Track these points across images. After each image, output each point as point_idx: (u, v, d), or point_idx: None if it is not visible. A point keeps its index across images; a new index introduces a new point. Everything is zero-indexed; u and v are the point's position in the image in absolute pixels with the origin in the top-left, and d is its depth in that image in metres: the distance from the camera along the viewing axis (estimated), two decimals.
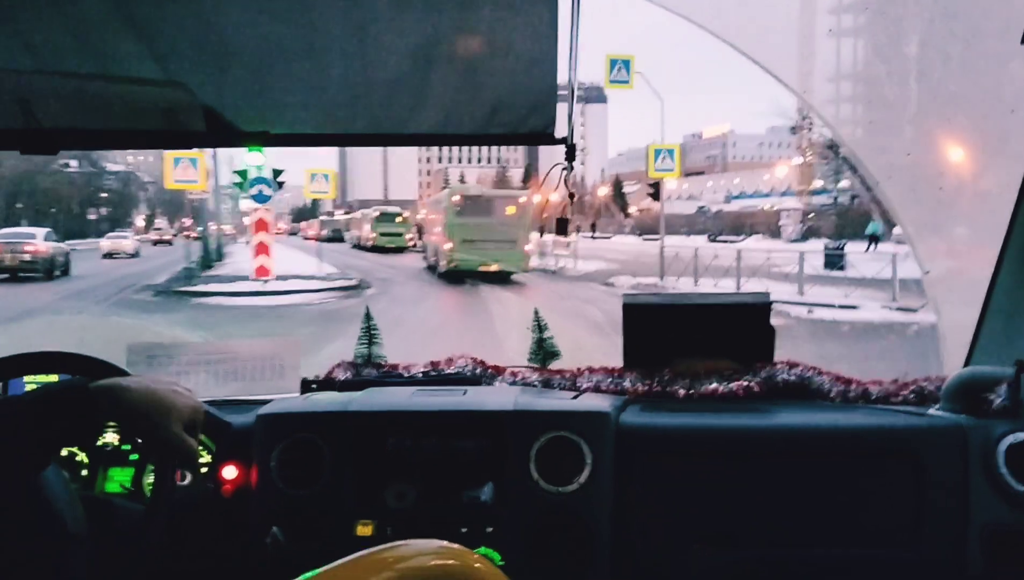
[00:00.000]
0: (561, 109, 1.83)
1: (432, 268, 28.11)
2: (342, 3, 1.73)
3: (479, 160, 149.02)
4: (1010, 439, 1.90)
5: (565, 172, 1.96)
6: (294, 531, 1.89)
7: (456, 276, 24.91)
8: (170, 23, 1.74)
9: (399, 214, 43.92)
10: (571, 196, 1.99)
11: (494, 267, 24.66)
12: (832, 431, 2.03)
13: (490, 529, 1.90)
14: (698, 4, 2.03)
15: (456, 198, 27.13)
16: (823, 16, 2.08)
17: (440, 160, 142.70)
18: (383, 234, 42.44)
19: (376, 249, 40.70)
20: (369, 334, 2.52)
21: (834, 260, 25.26)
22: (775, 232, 57.76)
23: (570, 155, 1.90)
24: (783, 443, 2.02)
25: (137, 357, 2.33)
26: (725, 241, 55.67)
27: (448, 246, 25.74)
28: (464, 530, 1.89)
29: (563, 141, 1.87)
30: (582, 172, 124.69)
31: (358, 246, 45.08)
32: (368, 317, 2.55)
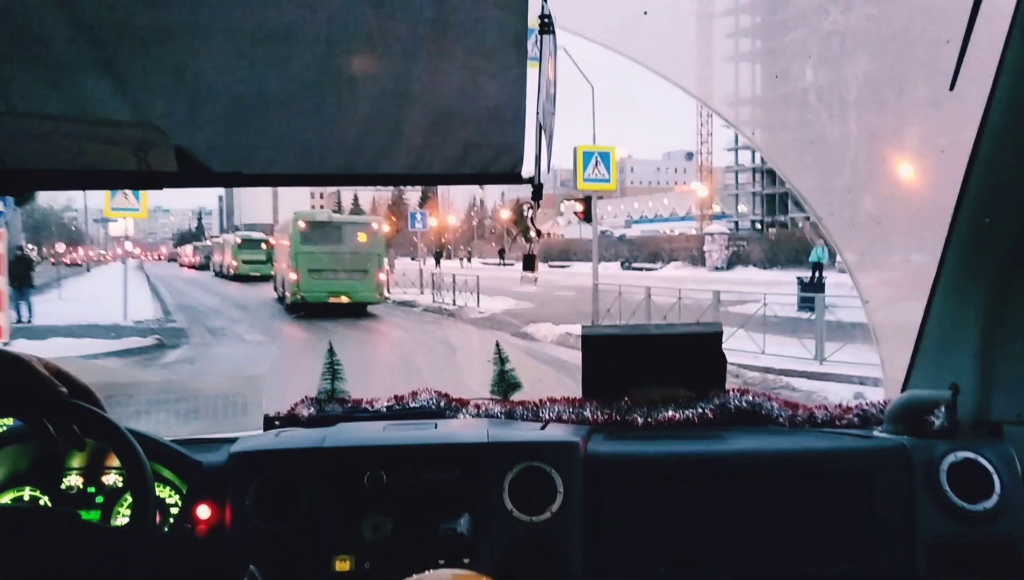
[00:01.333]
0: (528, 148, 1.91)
1: (282, 300, 26.53)
2: (318, 48, 1.78)
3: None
4: (951, 458, 2.03)
5: (531, 210, 2.03)
6: (272, 569, 1.89)
7: (307, 311, 23.19)
8: (144, 65, 1.76)
9: (264, 240, 40.87)
10: (537, 233, 2.06)
11: (344, 299, 23.55)
12: (785, 454, 2.13)
13: (467, 560, 1.93)
14: (657, 51, 2.16)
15: (301, 225, 25.24)
16: (766, 60, 2.22)
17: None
18: (245, 262, 39.83)
19: (238, 278, 37.91)
20: (332, 369, 2.53)
21: (810, 299, 18.18)
22: (697, 259, 54.50)
23: (536, 194, 1.97)
24: (739, 467, 2.11)
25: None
26: (640, 269, 52.90)
27: (293, 277, 24.26)
28: (442, 561, 1.92)
29: (530, 181, 1.94)
30: (481, 196, 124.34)
31: (220, 274, 42.36)
32: (331, 352, 2.57)
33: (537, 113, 1.87)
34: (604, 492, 2.03)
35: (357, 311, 23.73)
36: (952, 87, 1.86)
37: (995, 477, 2.00)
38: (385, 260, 26.18)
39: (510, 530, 1.98)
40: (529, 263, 2.17)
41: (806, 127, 2.27)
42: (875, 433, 2.22)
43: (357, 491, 1.99)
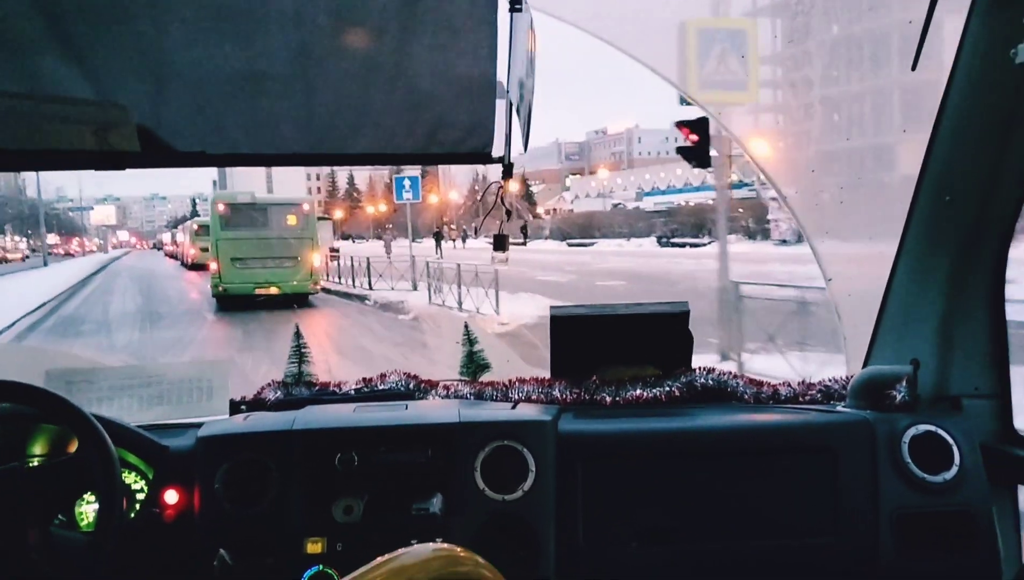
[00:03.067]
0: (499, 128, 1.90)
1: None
2: (284, 25, 1.75)
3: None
4: (912, 431, 2.08)
5: (501, 190, 2.03)
6: (242, 552, 1.88)
7: (232, 306, 20.10)
8: (105, 42, 1.72)
9: None
10: (507, 213, 2.06)
11: (273, 290, 20.73)
12: (750, 430, 2.17)
13: (439, 539, 1.93)
14: (628, 32, 2.16)
15: (220, 208, 22.10)
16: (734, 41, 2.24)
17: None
18: (203, 250, 36.13)
19: (196, 267, 33.18)
20: (299, 353, 2.51)
21: None
22: (753, 231, 43.30)
23: (507, 173, 1.97)
24: (707, 443, 2.14)
25: (56, 383, 2.25)
26: (683, 245, 42.49)
27: (214, 267, 21.29)
28: (414, 542, 1.91)
29: (500, 160, 1.93)
30: (484, 171, 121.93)
31: (184, 265, 38.50)
32: (298, 335, 2.54)
33: (507, 92, 1.86)
34: (575, 470, 2.05)
35: (293, 304, 20.81)
36: (914, 67, 1.89)
37: (955, 449, 2.06)
38: (319, 244, 23.16)
39: (482, 509, 1.98)
40: (500, 243, 2.17)
41: (771, 107, 2.29)
42: (838, 408, 2.26)
43: (328, 473, 1.98)
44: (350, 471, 1.97)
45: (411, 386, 2.43)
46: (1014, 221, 2.06)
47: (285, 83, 1.81)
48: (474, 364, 2.59)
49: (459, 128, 1.90)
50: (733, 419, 2.22)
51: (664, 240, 46.66)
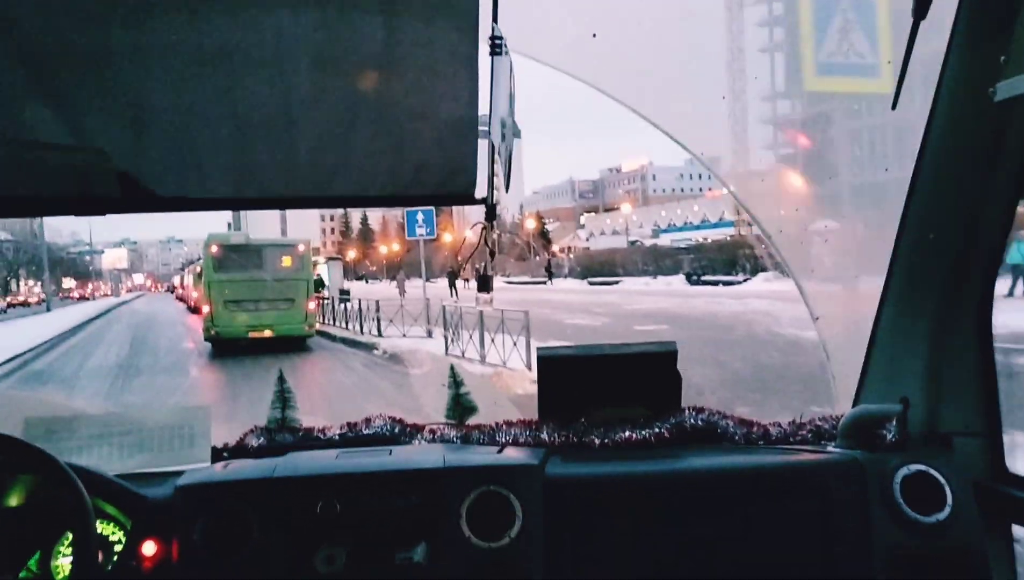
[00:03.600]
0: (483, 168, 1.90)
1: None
2: (266, 70, 1.75)
3: None
4: (903, 471, 2.06)
5: (485, 231, 2.02)
6: None
7: (227, 351, 19.40)
8: (86, 88, 1.72)
9: None
10: (491, 254, 2.05)
11: (267, 333, 20.19)
12: (741, 471, 2.14)
13: None
14: (604, 72, 2.18)
15: (213, 249, 21.43)
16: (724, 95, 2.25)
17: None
18: None
19: (199, 310, 33.59)
20: (283, 398, 2.47)
21: None
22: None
23: (490, 215, 1.96)
24: (697, 485, 2.11)
25: (35, 431, 2.22)
26: (715, 283, 39.43)
27: (207, 309, 20.71)
28: None
29: (483, 201, 1.93)
30: (498, 209, 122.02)
31: (189, 307, 37.84)
32: (281, 380, 2.51)
33: (489, 134, 1.86)
34: (563, 515, 2.01)
35: (289, 349, 19.96)
36: (894, 107, 1.90)
37: (947, 489, 2.03)
38: (313, 287, 22.58)
39: (469, 557, 1.94)
40: (484, 284, 2.16)
41: (756, 145, 2.31)
42: (829, 448, 2.24)
43: (310, 521, 1.94)
44: (332, 519, 1.94)
45: (396, 430, 2.39)
46: (999, 257, 2.06)
47: (267, 127, 1.81)
48: (460, 407, 2.56)
49: (442, 170, 1.89)
50: (723, 460, 2.19)
51: (694, 278, 43.21)
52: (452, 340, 17.07)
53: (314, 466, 2.09)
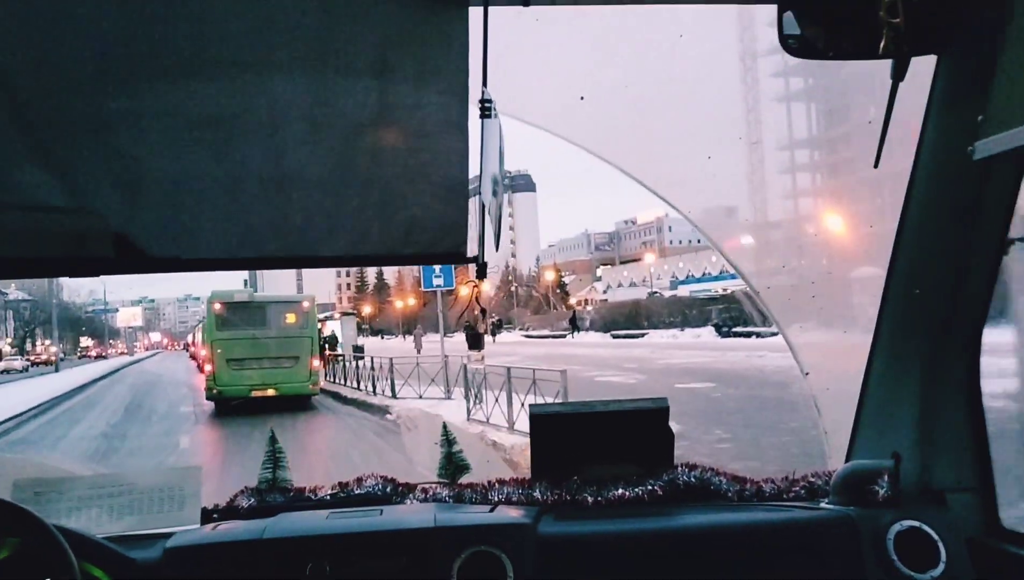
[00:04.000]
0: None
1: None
2: (260, 132, 1.79)
3: None
4: (897, 527, 2.05)
5: (476, 289, 2.04)
6: None
7: (234, 411, 18.71)
8: (81, 152, 1.75)
9: None
10: (482, 311, 2.06)
11: (270, 392, 19.62)
12: (734, 528, 2.13)
13: None
14: (592, 133, 2.23)
15: (216, 307, 21.12)
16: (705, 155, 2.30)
17: None
18: None
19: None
20: (274, 458, 2.46)
21: None
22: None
23: (481, 273, 1.98)
24: (691, 543, 2.10)
25: (24, 493, 2.20)
26: (747, 334, 36.37)
27: (209, 369, 20.36)
28: None
29: (474, 260, 1.95)
30: (514, 263, 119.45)
31: (199, 366, 39.25)
32: (273, 440, 2.50)
33: (479, 194, 1.90)
34: (556, 574, 1.99)
35: (294, 408, 19.26)
36: (876, 165, 1.94)
37: (940, 545, 2.02)
38: (319, 344, 22.20)
39: None
40: (476, 341, 2.18)
41: (741, 204, 2.35)
42: (822, 504, 2.23)
43: None
44: None
45: (388, 490, 2.38)
46: (985, 312, 2.08)
47: (260, 188, 1.84)
48: (453, 465, 2.55)
49: (433, 229, 1.92)
50: (716, 518, 2.18)
51: (724, 330, 41.32)
52: (475, 403, 15.24)
53: (304, 527, 2.07)
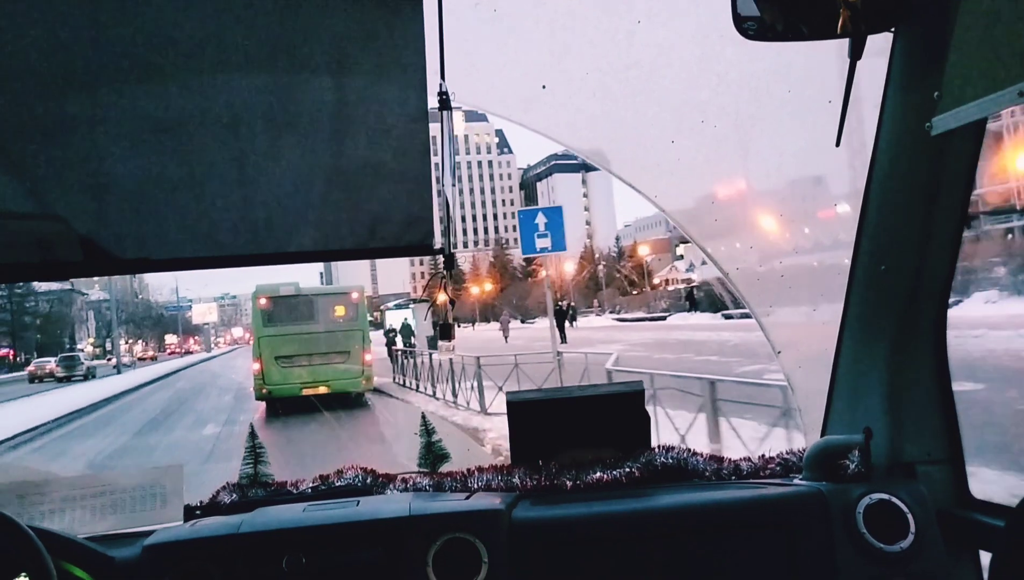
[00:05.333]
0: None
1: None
2: (222, 132, 1.81)
3: (475, 243, 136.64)
4: (866, 500, 2.08)
5: (444, 281, 2.06)
6: None
7: (285, 411, 17.52)
8: (45, 156, 1.77)
9: None
10: (451, 302, 2.09)
11: (322, 390, 18.55)
12: (707, 507, 2.16)
13: None
14: (555, 122, 2.24)
15: (262, 302, 19.90)
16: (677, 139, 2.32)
17: None
18: None
19: None
20: (254, 453, 2.48)
21: None
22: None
23: (448, 264, 2.00)
24: (664, 523, 2.12)
25: (6, 496, 2.22)
26: None
27: (256, 367, 19.27)
28: None
29: (441, 251, 1.97)
30: (590, 245, 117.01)
31: None
32: (253, 435, 2.52)
33: (441, 186, 1.92)
34: (530, 558, 2.02)
35: (347, 404, 17.86)
36: (837, 144, 1.96)
37: (910, 517, 2.05)
38: (370, 337, 20.59)
39: None
40: (446, 332, 2.19)
41: (707, 186, 2.37)
42: (795, 481, 2.26)
43: (275, 577, 1.94)
44: (299, 573, 1.94)
45: (368, 481, 2.40)
46: (948, 286, 2.11)
47: (224, 187, 1.86)
48: (432, 454, 2.57)
49: (398, 222, 1.94)
50: (691, 497, 2.21)
51: None
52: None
53: (280, 520, 2.10)
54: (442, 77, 1.84)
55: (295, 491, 2.39)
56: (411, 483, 2.41)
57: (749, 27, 1.92)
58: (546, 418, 2.45)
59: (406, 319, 30.18)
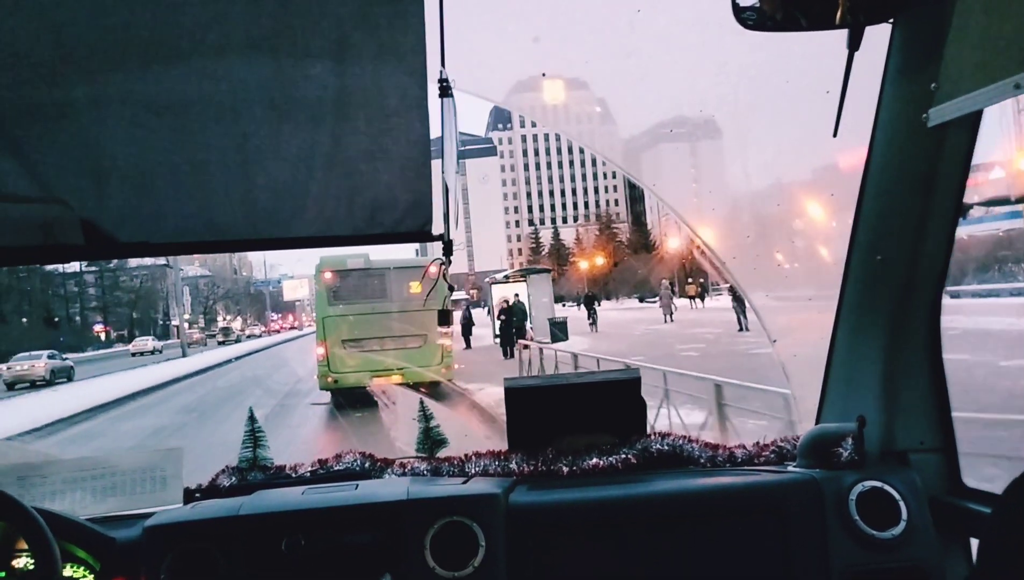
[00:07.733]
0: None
1: None
2: (223, 117, 1.82)
3: (575, 218, 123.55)
4: (859, 488, 2.10)
5: (444, 267, 2.07)
6: None
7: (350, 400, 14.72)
8: (47, 141, 1.78)
9: None
10: (451, 288, 2.10)
11: (395, 379, 15.58)
12: (702, 493, 2.18)
13: None
14: (552, 108, 2.24)
15: (326, 277, 17.12)
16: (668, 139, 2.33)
17: (531, 222, 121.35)
18: None
19: None
20: (254, 437, 2.50)
21: None
22: None
23: (447, 250, 2.02)
24: (658, 509, 2.14)
25: (7, 478, 2.24)
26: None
27: (320, 352, 16.70)
28: None
29: (440, 238, 1.99)
30: (654, 220, 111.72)
31: None
32: (252, 419, 2.54)
33: (443, 173, 1.93)
34: (527, 542, 2.04)
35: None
36: (835, 134, 1.97)
37: (902, 504, 2.07)
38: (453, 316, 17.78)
39: None
40: (444, 318, 2.20)
41: (705, 177, 2.37)
42: (789, 468, 2.28)
43: (275, 558, 1.97)
44: (297, 555, 1.96)
45: (366, 466, 2.42)
46: (944, 276, 2.12)
47: (225, 172, 1.87)
48: (430, 440, 2.59)
49: (398, 209, 1.95)
50: (685, 483, 2.23)
51: None
52: None
53: (279, 503, 2.12)
54: (442, 64, 1.85)
55: (294, 475, 2.41)
56: (409, 468, 2.43)
57: (748, 17, 1.93)
58: (544, 404, 2.47)
59: (517, 296, 24.96)
